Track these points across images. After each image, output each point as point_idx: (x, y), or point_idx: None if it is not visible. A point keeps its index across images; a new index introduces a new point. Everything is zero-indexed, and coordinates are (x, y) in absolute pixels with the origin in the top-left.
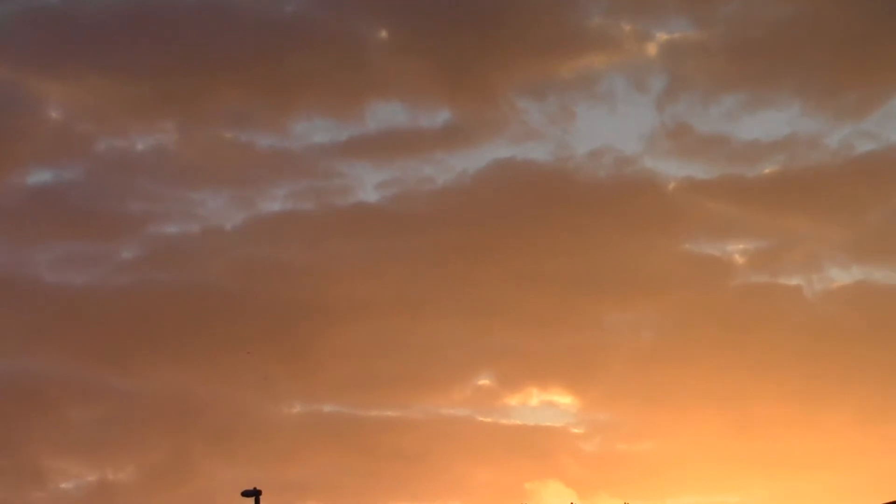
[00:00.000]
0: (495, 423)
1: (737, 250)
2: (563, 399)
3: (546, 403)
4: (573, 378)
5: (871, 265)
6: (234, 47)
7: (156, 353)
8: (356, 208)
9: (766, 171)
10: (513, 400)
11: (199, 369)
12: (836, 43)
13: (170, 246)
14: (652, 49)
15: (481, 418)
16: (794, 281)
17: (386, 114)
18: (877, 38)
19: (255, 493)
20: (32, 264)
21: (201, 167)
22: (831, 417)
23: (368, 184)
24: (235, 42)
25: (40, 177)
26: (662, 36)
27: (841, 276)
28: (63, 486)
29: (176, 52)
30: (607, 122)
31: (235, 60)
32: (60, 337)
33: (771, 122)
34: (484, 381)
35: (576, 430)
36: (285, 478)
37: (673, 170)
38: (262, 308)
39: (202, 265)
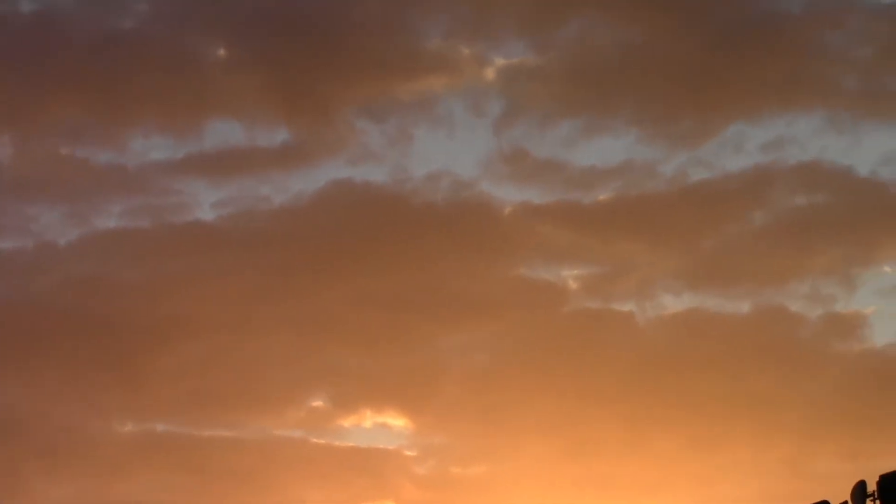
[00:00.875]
0: (329, 445)
1: (571, 275)
2: (397, 421)
3: (380, 426)
4: (407, 400)
5: (703, 293)
6: (70, 62)
7: None
8: (192, 226)
9: (602, 197)
10: (346, 422)
11: (29, 386)
12: (673, 72)
13: (2, 260)
14: (490, 73)
15: (315, 439)
16: (627, 307)
17: (223, 132)
18: (712, 68)
19: None
20: None
21: (36, 182)
22: (662, 443)
23: (205, 202)
24: (72, 56)
25: None
26: (500, 60)
27: (673, 303)
28: None
29: (10, 65)
30: (445, 146)
31: (72, 75)
32: None
33: (607, 149)
34: (317, 403)
35: (409, 453)
36: (116, 496)
37: (509, 194)
38: (95, 325)
39: (34, 280)
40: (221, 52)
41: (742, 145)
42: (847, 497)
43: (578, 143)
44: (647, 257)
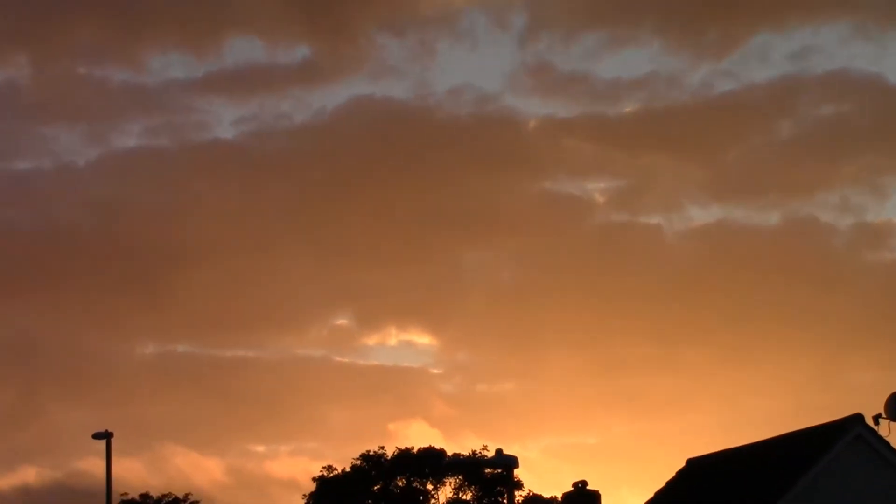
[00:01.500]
0: (353, 364)
1: (597, 189)
2: (422, 339)
3: (404, 343)
4: (431, 318)
5: (729, 204)
6: None
7: (2, 293)
8: (212, 145)
9: (627, 109)
10: (370, 340)
11: (49, 310)
12: None
13: (21, 182)
14: None
15: (338, 358)
16: (654, 220)
17: (243, 49)
18: None
19: (106, 436)
20: None
21: (54, 102)
22: (690, 357)
23: (225, 120)
24: None
25: None
26: None
27: (701, 215)
28: None
29: None
30: (468, 60)
31: None
32: None
33: (631, 61)
34: (341, 321)
35: (435, 371)
36: (139, 418)
37: (534, 108)
38: (115, 247)
39: (55, 203)
40: None
41: (768, 55)
42: (881, 409)
43: (603, 56)
44: (674, 169)
